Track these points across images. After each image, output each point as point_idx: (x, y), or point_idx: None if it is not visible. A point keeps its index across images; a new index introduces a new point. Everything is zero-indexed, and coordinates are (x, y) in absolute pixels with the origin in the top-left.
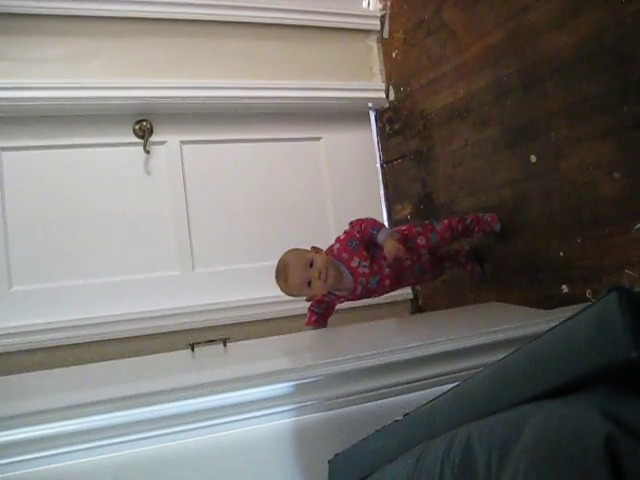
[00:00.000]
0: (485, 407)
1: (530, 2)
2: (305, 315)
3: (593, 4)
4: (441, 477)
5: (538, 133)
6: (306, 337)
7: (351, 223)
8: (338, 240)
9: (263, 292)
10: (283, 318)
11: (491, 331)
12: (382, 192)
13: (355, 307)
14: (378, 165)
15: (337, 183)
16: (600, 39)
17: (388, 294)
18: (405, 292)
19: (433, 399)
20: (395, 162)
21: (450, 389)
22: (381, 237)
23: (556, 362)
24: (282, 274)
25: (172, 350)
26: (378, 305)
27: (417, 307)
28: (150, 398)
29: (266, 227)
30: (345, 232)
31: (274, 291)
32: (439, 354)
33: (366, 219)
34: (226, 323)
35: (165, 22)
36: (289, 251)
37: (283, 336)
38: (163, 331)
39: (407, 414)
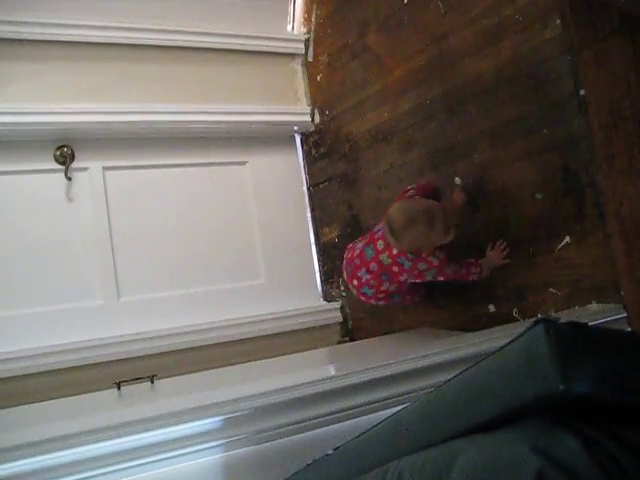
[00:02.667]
0: (417, 441)
1: (451, 27)
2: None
3: (512, 30)
4: None
5: (462, 155)
6: (235, 370)
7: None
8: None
9: (191, 320)
10: (212, 345)
11: (418, 357)
12: (309, 215)
13: (283, 332)
14: (305, 188)
15: (264, 207)
16: (519, 64)
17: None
18: (335, 315)
19: (363, 432)
20: (322, 185)
21: (380, 422)
22: None
23: (486, 396)
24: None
25: (99, 383)
26: (306, 329)
27: (347, 330)
28: (72, 440)
29: (193, 253)
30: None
31: (201, 318)
32: (367, 382)
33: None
34: (155, 352)
35: (86, 46)
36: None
37: (212, 370)
38: (89, 363)
39: (337, 448)
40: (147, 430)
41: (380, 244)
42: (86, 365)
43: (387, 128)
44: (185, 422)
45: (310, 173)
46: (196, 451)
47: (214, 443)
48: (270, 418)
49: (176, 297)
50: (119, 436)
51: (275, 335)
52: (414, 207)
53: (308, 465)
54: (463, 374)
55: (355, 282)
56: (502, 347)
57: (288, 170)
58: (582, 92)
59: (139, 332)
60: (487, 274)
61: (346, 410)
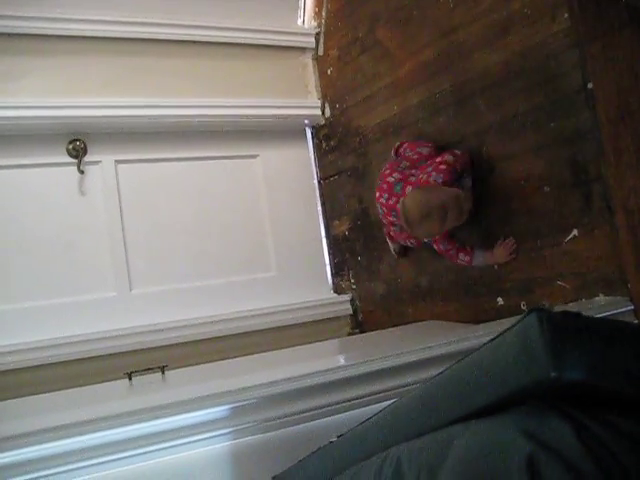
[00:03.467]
0: (415, 428)
1: (460, 21)
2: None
3: (520, 24)
4: None
5: (470, 149)
6: (244, 361)
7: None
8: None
9: (202, 312)
10: (223, 337)
11: (423, 348)
12: (320, 208)
13: (293, 324)
14: (315, 182)
15: (274, 200)
16: (527, 57)
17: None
18: (345, 308)
19: (366, 419)
20: (332, 178)
21: (382, 409)
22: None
23: (481, 383)
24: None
25: (110, 374)
26: (317, 322)
27: (357, 322)
28: (84, 427)
29: (204, 246)
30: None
31: (213, 310)
32: (372, 372)
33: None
34: (166, 344)
35: (98, 40)
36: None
37: (222, 362)
38: (101, 354)
39: (341, 435)
40: (156, 418)
41: (409, 190)
42: (98, 356)
43: (397, 122)
44: (193, 410)
45: (320, 166)
46: (203, 439)
47: (221, 431)
48: (276, 407)
49: (187, 289)
50: (127, 424)
51: (285, 327)
52: (431, 202)
53: (313, 452)
54: (460, 362)
55: (377, 194)
56: (497, 336)
57: (299, 163)
58: (590, 85)
59: (151, 324)
60: (481, 265)
61: (351, 400)
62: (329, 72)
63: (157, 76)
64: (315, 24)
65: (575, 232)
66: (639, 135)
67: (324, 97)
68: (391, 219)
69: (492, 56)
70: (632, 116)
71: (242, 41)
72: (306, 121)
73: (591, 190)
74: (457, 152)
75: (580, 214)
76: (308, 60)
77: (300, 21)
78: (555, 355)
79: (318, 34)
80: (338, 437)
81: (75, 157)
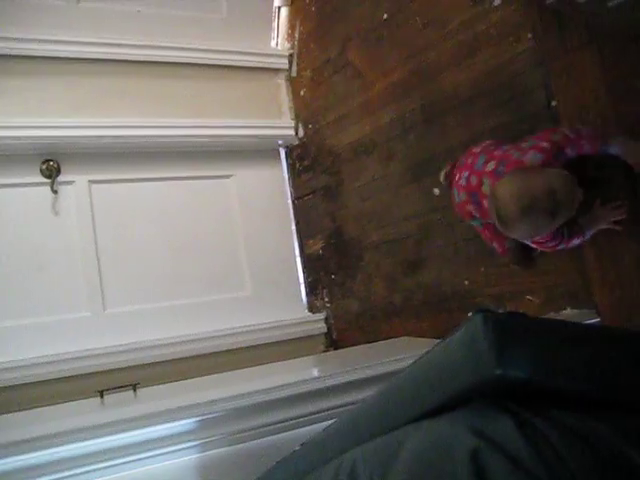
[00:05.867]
0: (372, 431)
1: (429, 42)
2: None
3: (486, 44)
4: None
5: (440, 166)
6: (216, 378)
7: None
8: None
9: (177, 331)
10: (197, 356)
11: (390, 361)
12: (294, 227)
13: (268, 343)
14: (289, 201)
15: (249, 219)
16: (494, 76)
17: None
18: (319, 326)
19: (327, 427)
20: (306, 198)
21: (343, 415)
22: None
23: (432, 384)
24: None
25: (83, 394)
26: (291, 340)
27: (331, 340)
28: (51, 440)
29: (178, 265)
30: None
31: (187, 330)
32: (338, 385)
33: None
34: (140, 363)
35: (71, 61)
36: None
37: (194, 379)
38: (75, 374)
39: (303, 443)
40: (124, 431)
41: (491, 165)
42: (72, 376)
43: (368, 141)
44: (161, 423)
45: (294, 186)
46: (172, 452)
47: (190, 444)
48: (244, 420)
49: (162, 309)
50: (97, 437)
51: (260, 346)
52: (534, 189)
53: (278, 462)
54: (413, 365)
55: (456, 177)
56: (446, 338)
57: (273, 183)
58: (554, 103)
59: (125, 343)
60: (589, 237)
61: (318, 412)
62: (302, 93)
63: (131, 97)
64: (288, 46)
65: None
66: None
67: (297, 117)
68: (469, 209)
69: (460, 75)
70: None
71: (216, 62)
72: (280, 141)
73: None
74: (576, 131)
75: None
76: (282, 81)
77: (274, 43)
78: (499, 354)
79: (291, 55)
80: (301, 445)
81: (48, 177)
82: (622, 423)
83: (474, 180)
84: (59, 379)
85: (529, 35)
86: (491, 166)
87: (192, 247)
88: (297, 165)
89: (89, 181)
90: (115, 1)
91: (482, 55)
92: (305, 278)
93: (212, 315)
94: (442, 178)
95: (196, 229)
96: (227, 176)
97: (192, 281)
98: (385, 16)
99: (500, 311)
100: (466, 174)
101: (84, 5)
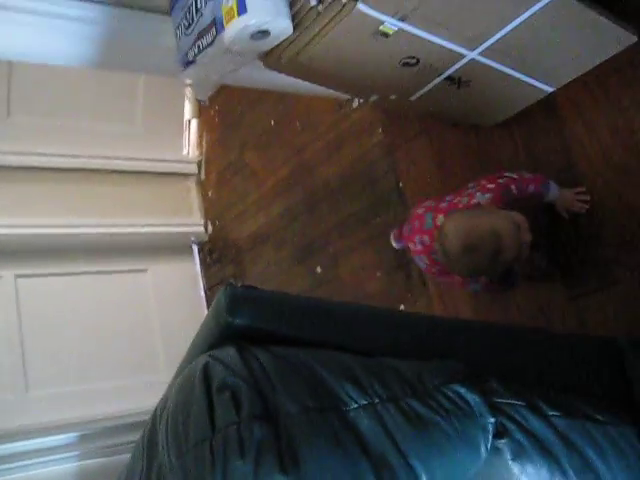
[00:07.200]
0: (182, 366)
1: (305, 142)
2: None
3: (349, 140)
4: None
5: (320, 248)
6: None
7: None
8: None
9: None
10: None
11: None
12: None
13: None
14: (202, 291)
15: (164, 309)
16: (355, 166)
17: None
18: None
19: None
20: (216, 287)
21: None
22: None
23: (202, 334)
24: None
25: None
26: None
27: None
28: None
29: (99, 351)
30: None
31: (106, 408)
32: None
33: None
34: None
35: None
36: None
37: None
38: None
39: None
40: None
41: (440, 219)
42: None
43: (264, 231)
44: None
45: (206, 277)
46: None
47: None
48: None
49: (83, 391)
50: None
51: None
52: (477, 229)
53: None
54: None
55: (410, 245)
56: None
57: (186, 275)
58: (401, 184)
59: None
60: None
61: None
62: (210, 194)
63: (54, 199)
64: (197, 153)
65: (402, 307)
66: None
67: (206, 216)
68: (438, 269)
69: (331, 168)
70: None
71: (133, 169)
72: (192, 238)
73: (410, 270)
74: (520, 175)
75: (405, 291)
76: (192, 184)
77: (186, 151)
78: (229, 308)
79: (200, 161)
80: None
81: None
82: (319, 353)
83: (427, 240)
84: None
85: (379, 129)
86: (441, 220)
87: (112, 335)
88: (207, 258)
89: (16, 275)
90: (42, 116)
91: (346, 149)
92: None
93: (130, 395)
94: (393, 243)
95: (115, 318)
96: (143, 270)
97: (112, 365)
98: (272, 122)
99: (239, 285)
100: (418, 238)
101: (14, 119)
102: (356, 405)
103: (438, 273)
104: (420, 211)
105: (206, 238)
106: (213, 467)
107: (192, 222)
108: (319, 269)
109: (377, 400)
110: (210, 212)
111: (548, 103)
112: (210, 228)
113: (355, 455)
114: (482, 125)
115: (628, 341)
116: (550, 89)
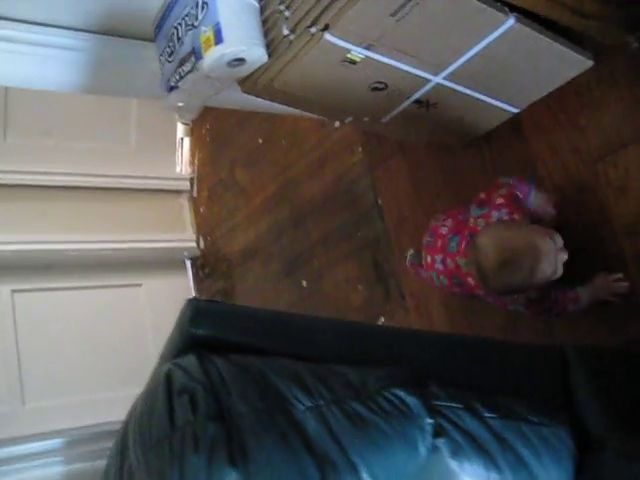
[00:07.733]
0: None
1: (291, 160)
2: None
3: (331, 158)
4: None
5: (305, 262)
6: None
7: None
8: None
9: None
10: None
11: None
12: None
13: None
14: None
15: (158, 323)
16: (338, 183)
17: None
18: None
19: None
20: None
21: None
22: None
23: (170, 343)
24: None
25: None
26: None
27: None
28: None
29: (95, 364)
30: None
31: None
32: None
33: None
34: None
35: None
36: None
37: None
38: None
39: None
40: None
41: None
42: None
43: (253, 247)
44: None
45: (199, 291)
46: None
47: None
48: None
49: (79, 402)
50: None
51: None
52: (514, 242)
53: None
54: None
55: (427, 259)
56: None
57: (179, 289)
58: (380, 201)
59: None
60: (585, 305)
61: None
62: (201, 210)
63: (52, 216)
64: (190, 170)
65: (382, 319)
66: (412, 235)
67: (199, 231)
68: (455, 290)
69: (315, 185)
70: (407, 221)
71: (127, 186)
72: (185, 253)
73: (389, 283)
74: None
75: (384, 303)
76: (185, 201)
77: (179, 168)
78: (191, 320)
79: (192, 178)
80: None
81: None
82: (272, 360)
83: (450, 263)
84: None
85: (360, 148)
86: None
87: (108, 348)
88: (200, 273)
89: (12, 290)
90: (38, 137)
91: (329, 167)
92: None
93: (126, 406)
94: (408, 260)
95: (111, 332)
96: (138, 285)
97: (107, 377)
98: (260, 140)
99: (202, 298)
100: (440, 257)
101: (9, 140)
102: (303, 407)
103: (460, 291)
104: (443, 231)
105: (198, 253)
106: (171, 462)
107: (185, 238)
108: (305, 283)
109: (322, 402)
110: (202, 228)
111: (514, 123)
112: (202, 243)
113: (300, 452)
114: (452, 145)
115: (574, 348)
116: (515, 110)
